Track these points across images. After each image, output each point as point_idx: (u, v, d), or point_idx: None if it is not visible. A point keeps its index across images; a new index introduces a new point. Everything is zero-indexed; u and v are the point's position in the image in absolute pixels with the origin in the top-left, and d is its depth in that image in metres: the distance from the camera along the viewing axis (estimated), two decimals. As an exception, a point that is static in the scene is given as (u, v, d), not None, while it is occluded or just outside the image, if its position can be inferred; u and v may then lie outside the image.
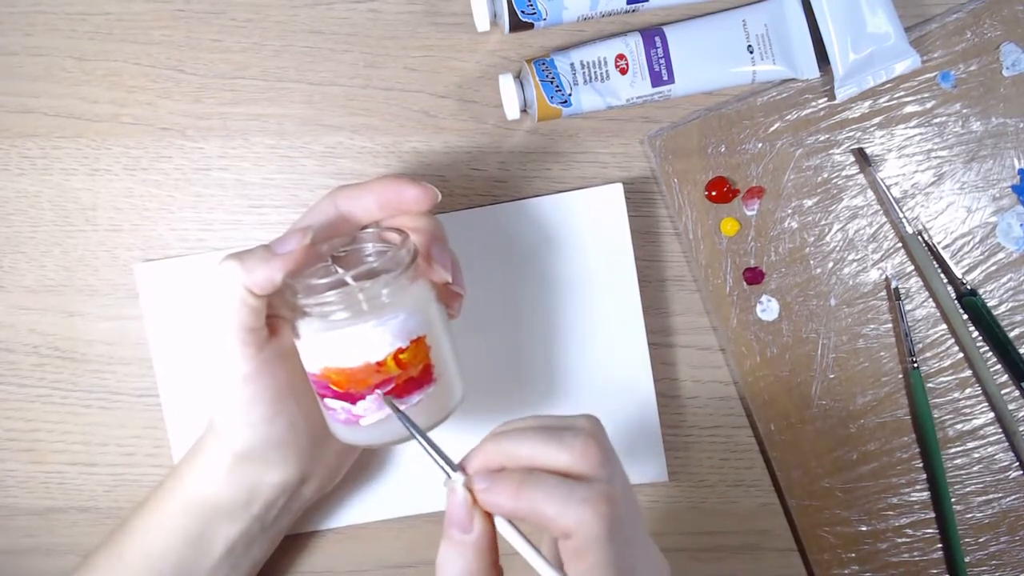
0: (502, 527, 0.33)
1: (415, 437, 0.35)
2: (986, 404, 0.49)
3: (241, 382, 0.38)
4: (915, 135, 0.49)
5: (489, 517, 0.33)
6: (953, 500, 0.49)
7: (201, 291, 0.48)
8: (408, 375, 0.36)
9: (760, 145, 0.49)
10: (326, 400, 0.37)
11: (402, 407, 0.36)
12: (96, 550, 0.43)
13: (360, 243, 0.40)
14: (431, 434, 0.36)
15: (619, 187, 0.48)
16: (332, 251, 0.39)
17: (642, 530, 0.34)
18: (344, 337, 0.36)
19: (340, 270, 0.38)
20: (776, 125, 0.49)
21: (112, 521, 0.49)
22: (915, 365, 0.49)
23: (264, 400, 0.38)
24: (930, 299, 0.50)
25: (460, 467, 0.34)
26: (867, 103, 0.49)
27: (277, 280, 0.36)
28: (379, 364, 0.36)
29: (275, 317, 0.40)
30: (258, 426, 0.39)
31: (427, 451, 0.34)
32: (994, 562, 0.49)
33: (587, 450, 0.32)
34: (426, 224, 0.40)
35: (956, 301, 0.49)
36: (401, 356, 0.36)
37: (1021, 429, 0.49)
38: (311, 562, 0.49)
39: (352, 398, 0.36)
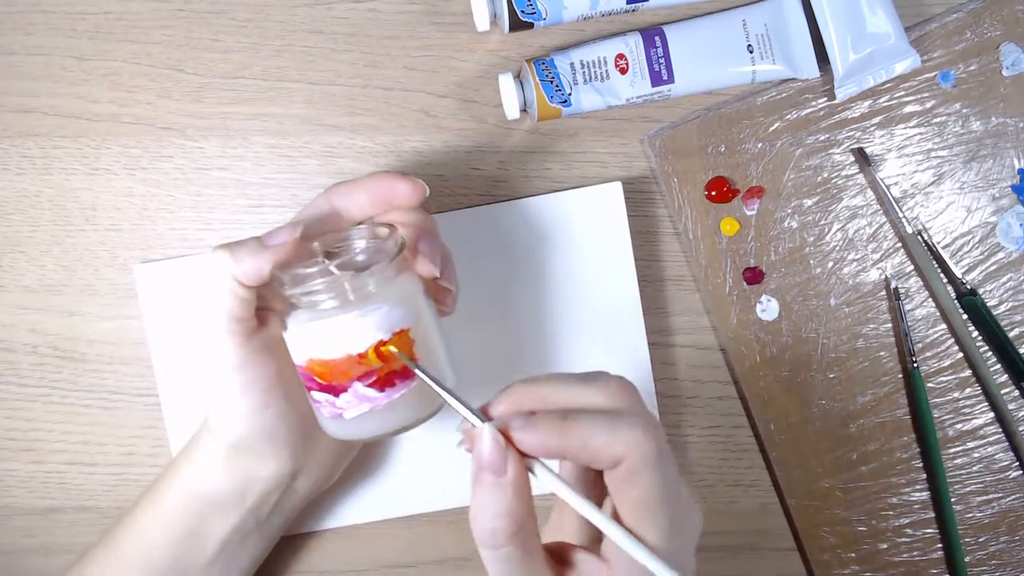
0: (540, 471, 0.31)
1: (437, 390, 0.34)
2: (986, 404, 0.49)
3: (230, 371, 0.38)
4: (915, 135, 0.49)
5: (521, 461, 0.31)
6: (953, 500, 0.49)
7: (200, 291, 0.48)
8: (390, 368, 0.36)
9: (760, 145, 0.49)
10: (312, 393, 0.37)
11: (384, 401, 0.36)
12: (93, 546, 0.43)
13: (351, 239, 0.40)
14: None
15: (618, 185, 0.48)
16: (325, 247, 0.39)
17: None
18: (327, 328, 0.35)
19: (325, 260, 0.38)
20: (776, 125, 0.49)
21: (112, 521, 0.49)
22: (915, 365, 0.49)
23: (254, 390, 0.39)
24: (930, 299, 0.50)
25: (483, 413, 0.32)
26: (867, 103, 0.49)
27: (265, 271, 0.37)
28: (360, 356, 0.35)
29: (266, 310, 0.40)
30: (249, 416, 0.39)
31: (451, 401, 0.33)
32: (994, 562, 0.49)
33: (622, 389, 0.32)
34: (415, 218, 0.40)
35: (956, 301, 0.49)
36: (383, 349, 0.35)
37: (1021, 429, 0.49)
38: (310, 562, 0.49)
39: (335, 391, 0.36)
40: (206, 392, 0.40)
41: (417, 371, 0.35)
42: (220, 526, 0.42)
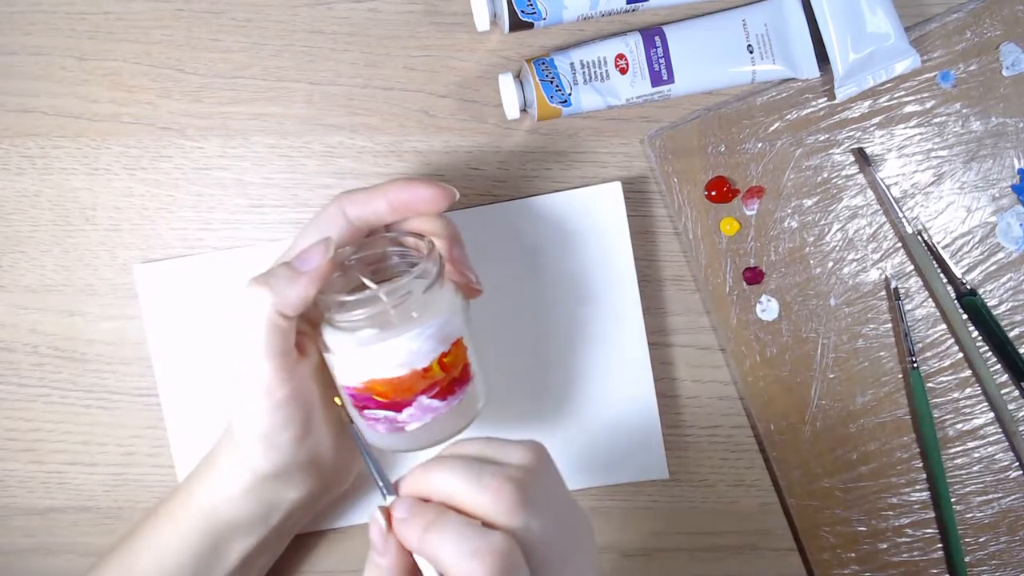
0: (419, 560, 0.32)
1: (363, 455, 0.36)
2: (986, 404, 0.49)
3: (274, 407, 0.37)
4: (915, 135, 0.49)
5: (403, 551, 0.33)
6: (953, 500, 0.49)
7: (200, 292, 0.48)
8: (451, 376, 0.37)
9: (760, 145, 0.49)
10: (367, 412, 0.37)
11: (445, 409, 0.37)
12: (103, 562, 0.42)
13: (374, 249, 0.40)
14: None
15: (617, 185, 0.48)
16: (344, 259, 0.39)
17: (573, 570, 0.33)
18: (388, 349, 0.36)
19: (371, 284, 0.38)
20: (776, 125, 0.49)
21: (113, 521, 0.49)
22: (915, 365, 0.49)
23: (295, 423, 0.38)
24: (930, 299, 0.50)
25: (395, 488, 0.34)
26: (867, 103, 0.49)
27: (310, 298, 0.36)
28: (425, 370, 0.36)
29: (299, 334, 0.39)
30: (286, 447, 0.38)
31: (372, 471, 0.35)
32: (994, 562, 0.49)
33: (500, 494, 0.31)
34: (444, 227, 0.40)
35: (956, 301, 0.49)
36: (445, 360, 0.36)
37: (1021, 429, 0.49)
38: (311, 562, 0.49)
39: (398, 406, 0.37)
40: (238, 423, 0.38)
41: (367, 459, 0.37)
42: (241, 545, 0.41)
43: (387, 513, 0.33)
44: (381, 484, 0.34)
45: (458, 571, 0.30)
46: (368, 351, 0.36)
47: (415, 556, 0.32)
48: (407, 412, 0.37)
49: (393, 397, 0.36)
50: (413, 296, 0.36)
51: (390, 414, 0.37)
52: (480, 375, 0.39)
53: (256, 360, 0.36)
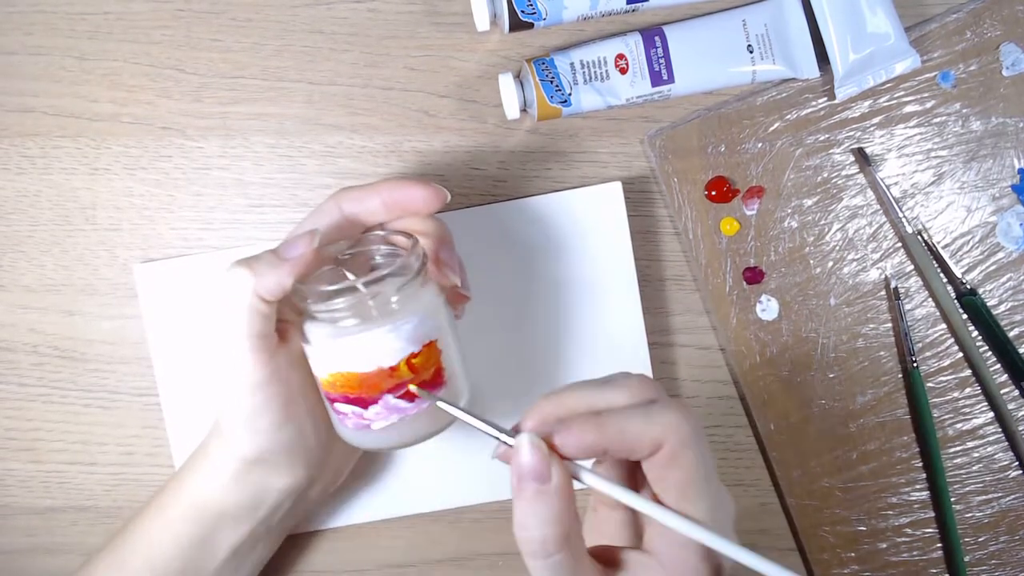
0: (582, 471, 0.32)
1: (464, 417, 0.34)
2: (986, 404, 0.49)
3: (252, 389, 0.37)
4: (915, 135, 0.49)
5: (564, 466, 0.31)
6: (953, 500, 0.49)
7: (200, 291, 0.48)
8: (420, 379, 0.36)
9: (760, 145, 0.49)
10: (336, 405, 0.37)
11: (413, 411, 0.36)
12: (96, 556, 0.42)
13: (366, 246, 0.40)
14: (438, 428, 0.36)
15: (618, 185, 0.48)
16: (337, 254, 0.39)
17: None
18: (356, 343, 0.35)
19: (350, 275, 0.37)
20: (776, 125, 0.49)
21: (112, 521, 0.49)
22: (915, 365, 0.49)
23: (274, 406, 0.38)
24: (930, 299, 0.50)
25: (515, 430, 0.33)
26: (867, 103, 0.49)
27: (287, 285, 0.36)
28: (392, 369, 0.36)
29: (283, 322, 0.39)
30: (267, 432, 0.38)
31: (480, 427, 0.33)
32: (994, 561, 0.49)
33: (643, 383, 0.33)
34: (434, 227, 0.40)
35: (956, 301, 0.49)
36: (413, 361, 0.36)
37: (1021, 429, 0.49)
38: (311, 562, 0.49)
39: (364, 403, 0.36)
40: (221, 407, 0.39)
41: (454, 410, 0.35)
42: (231, 536, 0.41)
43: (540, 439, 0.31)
44: (502, 430, 0.32)
45: (653, 432, 0.30)
46: (337, 343, 0.36)
47: (583, 474, 0.32)
48: (373, 410, 0.36)
49: (359, 393, 0.36)
50: (387, 291, 0.36)
51: (357, 410, 0.36)
52: (459, 381, 0.38)
53: (236, 340, 0.37)
